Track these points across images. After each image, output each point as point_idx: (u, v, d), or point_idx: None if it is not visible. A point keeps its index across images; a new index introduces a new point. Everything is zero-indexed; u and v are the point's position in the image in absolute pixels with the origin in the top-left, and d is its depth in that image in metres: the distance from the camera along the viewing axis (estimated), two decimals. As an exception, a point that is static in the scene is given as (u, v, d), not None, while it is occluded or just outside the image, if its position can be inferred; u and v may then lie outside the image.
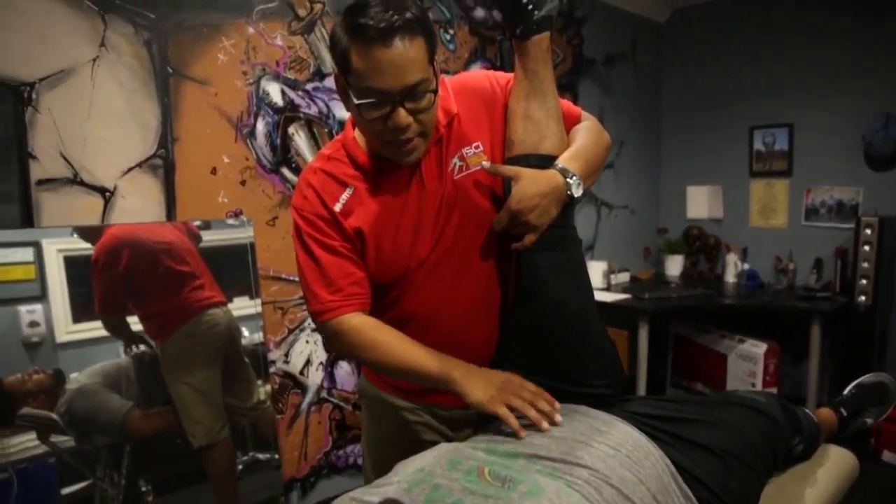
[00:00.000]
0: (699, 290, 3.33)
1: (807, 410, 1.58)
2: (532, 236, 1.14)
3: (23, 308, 1.71)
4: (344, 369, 2.40)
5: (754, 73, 3.63)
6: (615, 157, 3.69)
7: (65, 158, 1.72)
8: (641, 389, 3.05)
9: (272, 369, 2.17)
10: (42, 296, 1.74)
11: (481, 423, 1.23)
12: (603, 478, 0.94)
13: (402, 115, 1.02)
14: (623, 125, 3.71)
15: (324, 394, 2.34)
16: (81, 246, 1.80)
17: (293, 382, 2.25)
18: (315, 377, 2.31)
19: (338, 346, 1.18)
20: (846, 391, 1.82)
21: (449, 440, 1.28)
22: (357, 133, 1.17)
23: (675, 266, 3.84)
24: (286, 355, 2.22)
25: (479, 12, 2.82)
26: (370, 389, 1.35)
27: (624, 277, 3.61)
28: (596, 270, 3.41)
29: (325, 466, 2.35)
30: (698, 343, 3.48)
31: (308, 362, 2.29)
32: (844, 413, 1.73)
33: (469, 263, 1.21)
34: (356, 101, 1.01)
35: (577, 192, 1.14)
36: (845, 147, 3.34)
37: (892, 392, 1.73)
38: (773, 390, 3.12)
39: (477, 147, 1.18)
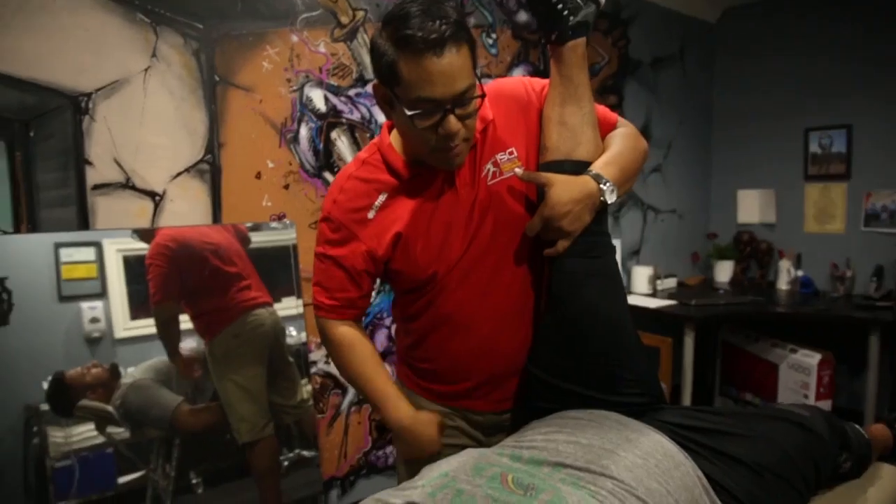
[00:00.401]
0: (749, 298, 3.22)
1: (857, 426, 1.51)
2: (564, 242, 1.14)
3: (85, 305, 1.80)
4: (383, 371, 2.42)
5: (810, 73, 3.49)
6: (662, 161, 3.61)
7: (118, 164, 1.80)
8: (686, 398, 2.97)
9: (313, 370, 2.22)
10: (102, 293, 1.83)
11: (514, 428, 1.23)
12: (628, 489, 0.92)
13: (453, 123, 1.03)
14: (670, 128, 3.62)
15: (363, 395, 2.37)
16: (138, 246, 1.88)
17: (334, 383, 2.29)
18: (355, 378, 2.34)
19: (322, 341, 1.28)
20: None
21: (481, 445, 1.29)
22: (393, 138, 1.19)
23: (724, 272, 3.72)
24: (327, 356, 2.26)
25: (522, 16, 2.81)
26: (404, 392, 1.36)
27: (670, 283, 3.52)
28: (641, 276, 3.35)
29: (365, 466, 2.38)
30: (748, 352, 3.36)
31: (348, 363, 2.32)
32: (901, 429, 1.65)
33: (503, 268, 1.21)
34: (408, 112, 1.02)
35: (611, 199, 1.14)
36: (909, 150, 3.18)
37: None
38: (828, 403, 2.99)
39: (511, 153, 1.19)
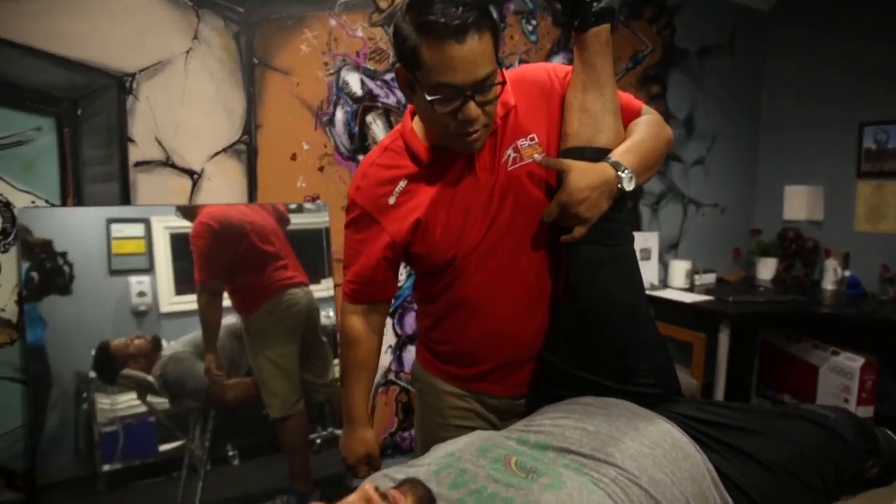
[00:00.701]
0: (790, 296, 3.12)
1: (889, 432, 1.45)
2: (581, 229, 1.14)
3: (133, 279, 1.88)
4: (412, 354, 2.45)
5: (867, 64, 3.33)
6: (706, 153, 3.52)
7: (159, 142, 1.87)
8: (719, 396, 2.91)
9: (341, 349, 2.27)
10: (150, 268, 1.91)
11: (529, 413, 1.24)
12: (631, 478, 0.92)
13: (473, 108, 1.04)
14: (716, 120, 3.52)
15: (391, 376, 2.41)
16: (184, 224, 1.95)
17: (361, 363, 2.33)
18: (384, 360, 2.38)
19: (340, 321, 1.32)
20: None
21: (495, 428, 1.29)
22: (415, 123, 1.21)
23: (767, 270, 3.61)
24: (355, 337, 2.30)
25: (564, 2, 2.77)
26: (423, 374, 1.40)
27: (709, 279, 3.44)
28: (679, 270, 3.28)
29: (390, 446, 2.42)
30: (788, 352, 3.26)
31: (377, 345, 2.36)
32: (939, 438, 1.58)
33: (521, 253, 1.22)
34: (428, 98, 1.03)
35: (629, 187, 1.12)
36: (972, 147, 3.02)
37: None
38: (870, 409, 2.88)
39: (532, 139, 1.19)
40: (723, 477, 1.03)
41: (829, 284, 3.38)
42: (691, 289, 3.25)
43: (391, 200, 1.18)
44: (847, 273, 3.34)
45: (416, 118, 1.20)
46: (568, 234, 1.15)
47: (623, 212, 1.20)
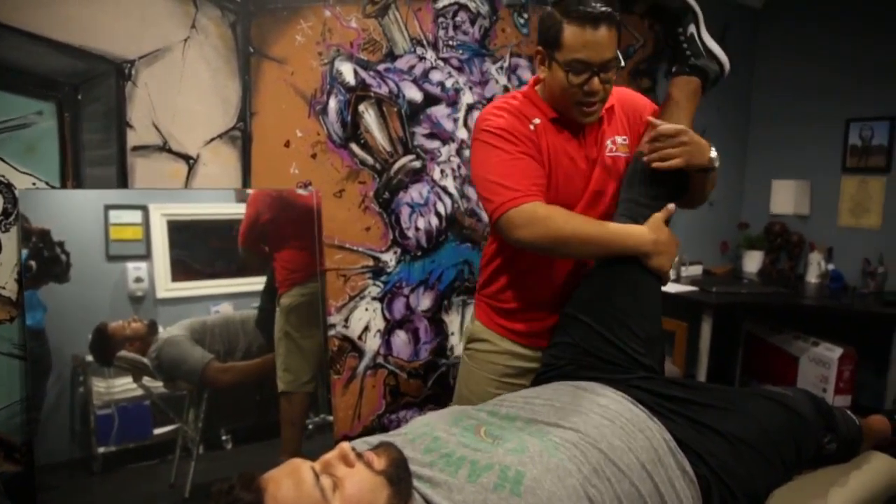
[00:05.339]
0: (773, 289, 3.19)
1: (849, 412, 1.53)
2: (669, 163, 1.39)
3: (130, 265, 1.92)
4: (400, 338, 2.52)
5: (855, 63, 3.39)
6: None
7: (156, 128, 1.92)
8: (702, 385, 2.98)
9: (332, 332, 2.33)
10: (147, 255, 1.95)
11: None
12: (592, 442, 0.99)
13: (597, 82, 1.35)
14: (706, 114, 3.56)
15: (380, 360, 2.48)
16: (182, 212, 1.99)
17: (351, 346, 2.40)
18: (373, 343, 2.45)
19: (532, 228, 1.36)
20: (905, 400, 1.73)
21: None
22: (541, 92, 1.49)
23: (753, 263, 3.69)
24: (346, 320, 2.37)
25: (556, -4, 2.82)
26: (483, 332, 1.62)
27: (695, 270, 3.51)
28: (665, 261, 3.35)
29: (378, 428, 2.49)
30: (770, 343, 3.34)
31: (367, 329, 2.43)
32: (899, 421, 1.66)
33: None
34: (566, 68, 1.33)
35: (715, 164, 1.46)
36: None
37: None
38: (847, 399, 2.96)
39: (625, 139, 1.53)
40: (683, 446, 1.10)
41: (812, 278, 3.46)
42: (677, 279, 3.32)
43: (531, 127, 1.45)
44: (831, 267, 3.41)
45: (540, 88, 1.50)
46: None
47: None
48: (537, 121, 1.45)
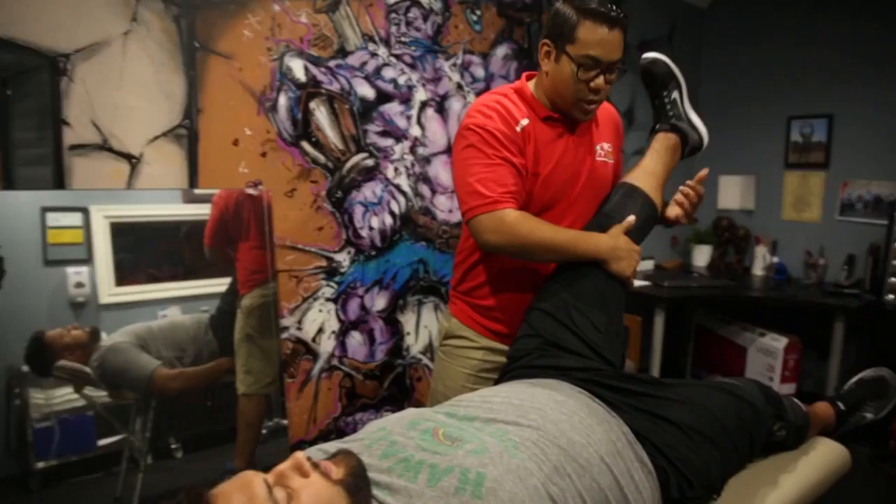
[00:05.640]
0: (721, 282, 3.28)
1: (795, 400, 1.58)
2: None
3: (70, 270, 1.82)
4: (356, 340, 2.48)
5: (795, 62, 3.52)
6: (645, 145, 3.63)
7: (95, 126, 1.83)
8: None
9: (284, 335, 2.27)
10: (88, 259, 1.85)
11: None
12: (551, 439, 0.98)
13: (603, 80, 1.40)
14: (655, 112, 3.65)
15: (335, 362, 2.43)
16: (125, 213, 1.91)
17: (305, 349, 2.35)
18: (327, 345, 2.40)
19: (499, 233, 1.41)
20: (846, 386, 1.80)
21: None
22: (534, 88, 1.52)
23: (702, 257, 3.79)
24: (299, 322, 2.32)
25: (508, -7, 2.83)
26: (460, 329, 1.63)
27: (647, 265, 3.58)
28: (618, 257, 3.41)
29: (334, 431, 2.45)
30: (719, 335, 3.44)
31: (321, 330, 2.38)
32: (842, 407, 1.72)
33: (575, 221, 1.56)
34: (577, 63, 1.37)
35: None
36: (887, 140, 3.22)
37: (891, 387, 1.71)
38: (792, 387, 3.07)
39: (610, 147, 1.63)
40: (640, 438, 1.11)
41: (758, 270, 3.58)
42: (630, 275, 3.37)
43: (518, 129, 1.45)
44: (775, 259, 3.53)
45: (532, 82, 1.53)
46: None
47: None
48: (525, 122, 1.46)
